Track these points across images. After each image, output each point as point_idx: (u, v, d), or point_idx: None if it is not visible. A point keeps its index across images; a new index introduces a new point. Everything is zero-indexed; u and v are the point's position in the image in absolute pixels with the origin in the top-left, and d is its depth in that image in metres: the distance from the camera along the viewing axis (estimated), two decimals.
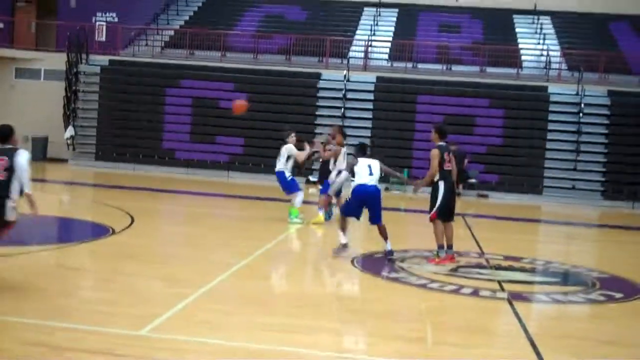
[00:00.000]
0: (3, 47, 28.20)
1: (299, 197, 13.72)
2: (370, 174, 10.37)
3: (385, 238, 10.45)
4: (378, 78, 26.43)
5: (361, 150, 10.69)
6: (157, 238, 11.89)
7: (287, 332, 6.56)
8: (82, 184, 21.00)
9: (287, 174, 13.70)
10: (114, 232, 11.48)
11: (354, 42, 28.96)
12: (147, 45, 29.06)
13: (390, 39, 29.33)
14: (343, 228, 10.60)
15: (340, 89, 25.95)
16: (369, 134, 25.06)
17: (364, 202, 10.43)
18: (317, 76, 26.65)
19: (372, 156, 10.77)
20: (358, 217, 10.62)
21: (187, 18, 31.03)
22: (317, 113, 25.78)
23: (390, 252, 10.42)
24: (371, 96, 25.95)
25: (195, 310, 7.14)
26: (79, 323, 6.30)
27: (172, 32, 29.70)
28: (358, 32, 30.28)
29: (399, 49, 27.87)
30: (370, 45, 28.55)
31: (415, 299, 8.44)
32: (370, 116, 25.69)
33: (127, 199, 15.23)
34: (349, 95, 25.88)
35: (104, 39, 28.79)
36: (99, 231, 11.12)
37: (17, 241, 8.85)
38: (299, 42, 27.84)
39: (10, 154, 7.38)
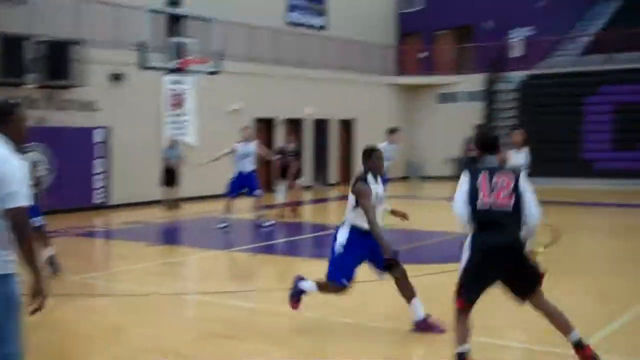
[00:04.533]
0: (427, 75, 30.09)
1: None
2: None
3: None
4: None
5: None
6: (587, 252, 11.45)
7: None
8: None
9: None
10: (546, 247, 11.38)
11: None
12: (562, 55, 28.44)
13: None
14: None
15: None
16: None
17: None
18: None
19: None
20: None
21: (604, 22, 29.47)
22: None
23: None
24: None
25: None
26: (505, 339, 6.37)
27: (590, 38, 28.57)
28: None
29: None
30: None
31: None
32: None
33: (551, 212, 15.01)
34: None
35: (520, 54, 28.87)
36: None
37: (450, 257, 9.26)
38: None
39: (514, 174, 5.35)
